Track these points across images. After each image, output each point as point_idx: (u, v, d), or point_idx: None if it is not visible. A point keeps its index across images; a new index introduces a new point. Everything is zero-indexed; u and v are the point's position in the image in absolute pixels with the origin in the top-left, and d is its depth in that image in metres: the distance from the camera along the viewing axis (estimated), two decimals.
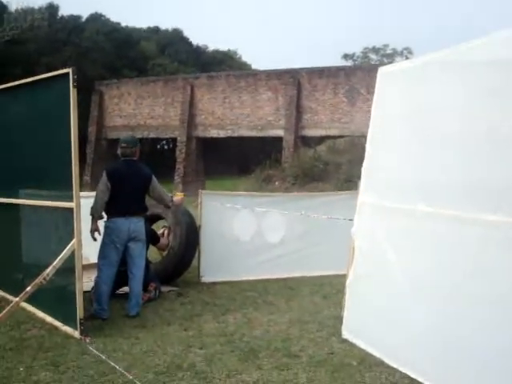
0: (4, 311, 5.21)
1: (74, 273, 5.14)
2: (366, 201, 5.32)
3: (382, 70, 5.41)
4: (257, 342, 5.13)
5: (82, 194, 5.27)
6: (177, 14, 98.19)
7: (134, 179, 5.87)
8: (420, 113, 4.90)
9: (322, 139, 25.44)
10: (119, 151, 5.96)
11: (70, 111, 5.06)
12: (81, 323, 5.13)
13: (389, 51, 35.48)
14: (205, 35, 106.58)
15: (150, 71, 41.42)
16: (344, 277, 7.97)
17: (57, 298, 5.58)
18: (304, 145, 25.73)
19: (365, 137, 22.55)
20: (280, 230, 8.09)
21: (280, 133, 26.79)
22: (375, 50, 35.90)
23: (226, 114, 28.17)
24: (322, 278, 7.96)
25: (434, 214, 4.51)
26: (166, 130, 29.51)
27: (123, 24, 45.65)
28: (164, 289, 6.98)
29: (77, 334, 5.14)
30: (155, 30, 50.23)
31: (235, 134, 28.23)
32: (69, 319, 5.33)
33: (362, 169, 5.55)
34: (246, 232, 7.87)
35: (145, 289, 6.33)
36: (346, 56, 36.52)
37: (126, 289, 6.39)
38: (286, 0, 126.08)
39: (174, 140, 29.93)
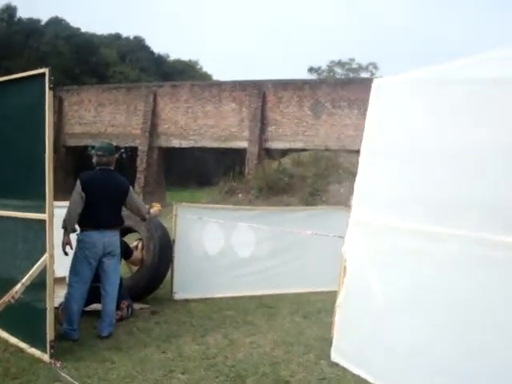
0: None
1: (45, 290, 4.72)
2: (359, 218, 5.07)
3: (376, 83, 5.20)
4: (242, 365, 4.81)
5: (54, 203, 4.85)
6: (138, 21, 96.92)
7: (110, 190, 5.47)
8: (417, 127, 4.73)
9: (285, 152, 25.27)
10: (94, 159, 5.56)
11: (45, 115, 4.66)
12: (51, 345, 4.70)
13: (354, 65, 35.79)
14: (166, 44, 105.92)
15: (110, 78, 40.72)
16: (321, 294, 7.83)
17: (23, 317, 5.10)
18: (268, 157, 25.52)
19: (329, 150, 22.64)
20: (255, 246, 7.78)
21: (244, 144, 26.52)
22: (341, 64, 36.03)
23: (189, 124, 27.73)
24: (299, 295, 7.71)
25: (433, 232, 4.33)
26: (127, 139, 28.83)
27: (83, 29, 44.85)
28: (135, 306, 6.57)
29: (46, 357, 4.71)
30: (116, 37, 49.39)
31: (198, 145, 27.80)
32: (37, 341, 4.89)
33: (355, 184, 5.29)
34: (222, 247, 7.53)
35: (117, 306, 5.90)
36: (311, 69, 36.67)
37: (95, 306, 5.99)
38: (251, 12, 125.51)
39: (135, 149, 29.26)
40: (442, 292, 4.20)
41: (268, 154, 26.14)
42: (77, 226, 5.44)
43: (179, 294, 7.21)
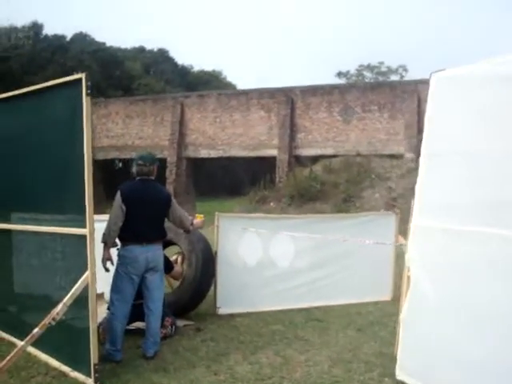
0: (7, 358, 4.43)
1: (87, 309, 4.42)
2: (422, 224, 4.65)
3: (435, 76, 4.77)
4: None
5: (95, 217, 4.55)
6: (162, 33, 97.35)
7: (152, 201, 5.15)
8: (482, 125, 4.32)
9: (316, 158, 24.87)
10: (134, 169, 5.25)
11: (83, 123, 4.37)
12: (95, 369, 4.39)
13: (383, 69, 35.18)
14: (189, 55, 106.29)
15: (135, 91, 40.82)
16: (370, 305, 7.43)
17: (65, 339, 4.81)
18: (298, 164, 25.13)
19: (360, 155, 22.07)
20: (300, 256, 7.39)
21: (273, 152, 26.18)
22: (370, 68, 35.45)
23: (218, 134, 27.51)
24: (347, 307, 7.29)
25: (507, 237, 3.94)
26: (155, 151, 28.54)
27: (108, 44, 45.12)
28: (179, 323, 6.23)
29: (90, 381, 4.42)
30: (140, 50, 49.61)
31: (227, 154, 27.56)
32: (80, 364, 4.59)
33: (416, 187, 4.87)
34: (266, 258, 7.16)
35: (160, 324, 5.57)
36: (339, 74, 36.13)
37: (137, 324, 5.69)
38: (273, 19, 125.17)
39: (163, 160, 29.12)
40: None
41: (298, 161, 25.77)
42: (117, 241, 5.13)
43: (223, 309, 6.85)
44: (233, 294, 6.92)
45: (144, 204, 5.08)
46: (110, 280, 5.21)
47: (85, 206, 4.39)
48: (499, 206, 4.11)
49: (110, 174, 28.97)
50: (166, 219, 5.39)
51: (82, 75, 4.38)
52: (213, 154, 27.69)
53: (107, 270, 5.05)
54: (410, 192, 19.51)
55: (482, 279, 4.14)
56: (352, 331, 6.19)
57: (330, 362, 5.05)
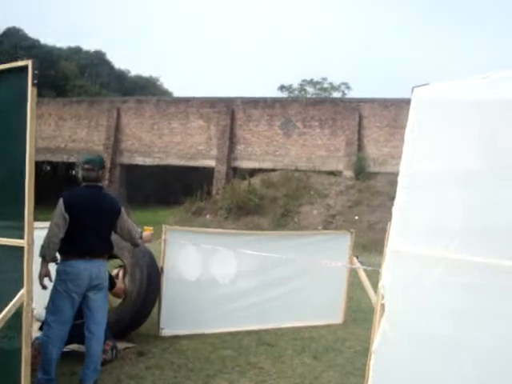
0: None
1: (20, 334, 3.78)
2: (400, 248, 4.29)
3: (417, 91, 4.45)
4: None
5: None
6: (99, 35, 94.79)
7: (99, 210, 4.56)
8: (468, 144, 4.03)
9: (254, 171, 24.59)
10: (80, 174, 4.65)
11: (27, 117, 3.77)
12: None
13: (326, 85, 35.34)
14: (126, 60, 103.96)
15: (69, 92, 39.31)
16: (322, 329, 7.06)
17: None
18: (236, 176, 24.77)
19: (299, 171, 21.92)
20: (252, 275, 6.94)
21: (211, 163, 25.71)
22: (313, 83, 35.56)
23: (154, 141, 26.77)
24: (298, 330, 6.90)
25: (488, 264, 3.63)
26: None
27: (42, 41, 43.34)
28: (119, 346, 5.62)
29: None
30: (76, 50, 47.94)
31: (163, 162, 26.82)
32: None
33: (394, 209, 4.50)
34: (215, 276, 6.66)
35: None
36: (282, 87, 35.94)
37: (73, 345, 5.07)
38: (216, 29, 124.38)
39: None
40: (494, 332, 3.52)
41: (236, 173, 25.40)
42: (57, 255, 4.51)
43: (167, 330, 6.29)
44: (178, 314, 6.38)
45: (90, 213, 4.49)
46: (43, 296, 4.59)
47: (23, 213, 3.77)
48: (483, 232, 3.81)
49: (40, 177, 27.60)
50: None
51: (28, 62, 3.78)
52: (148, 161, 26.90)
53: (44, 287, 4.42)
54: (348, 210, 19.53)
55: (465, 309, 3.82)
56: (308, 358, 5.78)
57: None
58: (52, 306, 4.46)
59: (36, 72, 3.77)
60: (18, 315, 3.78)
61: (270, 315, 6.98)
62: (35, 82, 3.76)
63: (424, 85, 4.52)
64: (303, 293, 7.19)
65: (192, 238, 6.52)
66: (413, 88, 4.57)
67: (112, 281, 5.71)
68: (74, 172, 42.00)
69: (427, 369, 3.94)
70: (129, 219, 4.89)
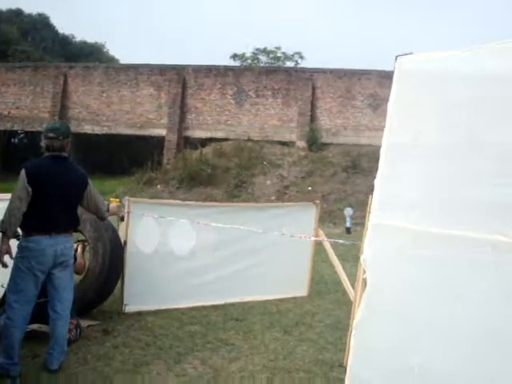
0: None
1: None
2: (382, 222, 4.18)
3: (400, 60, 4.29)
4: None
5: None
6: None
7: (65, 182, 4.24)
8: (452, 116, 3.92)
9: (206, 141, 24.23)
10: (44, 143, 4.31)
11: None
12: None
13: (279, 54, 34.80)
14: (70, 24, 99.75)
15: (10, 58, 37.44)
16: (288, 302, 6.96)
17: None
18: (188, 146, 24.34)
19: (252, 140, 21.81)
20: (217, 248, 6.75)
21: (162, 132, 25.14)
22: (266, 52, 34.93)
23: (103, 109, 25.92)
24: (264, 304, 6.79)
25: (473, 239, 3.57)
26: (34, 123, 26.39)
27: None
28: (82, 324, 5.36)
29: None
30: (17, 13, 45.72)
31: (112, 132, 26.05)
32: None
33: (375, 182, 4.37)
34: (179, 250, 6.44)
35: None
36: (234, 56, 35.07)
37: (33, 325, 4.78)
38: None
39: (40, 134, 26.89)
40: (477, 307, 3.49)
41: (188, 143, 24.97)
42: (19, 230, 4.19)
43: (131, 306, 6.05)
44: (141, 290, 6.14)
45: (55, 186, 4.17)
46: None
47: None
48: (462, 205, 3.73)
49: None
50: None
51: None
52: (97, 130, 26.09)
53: (5, 265, 4.10)
54: (301, 180, 19.54)
55: (447, 283, 3.76)
56: (278, 333, 5.66)
57: (267, 373, 4.48)
58: (13, 285, 4.16)
59: None
60: None
61: (236, 289, 6.83)
62: None
63: (406, 54, 4.37)
64: (268, 266, 7.06)
65: (155, 210, 6.25)
66: (396, 57, 4.42)
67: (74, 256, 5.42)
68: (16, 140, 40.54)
69: (406, 344, 3.90)
70: (96, 192, 4.59)
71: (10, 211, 4.06)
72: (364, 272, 4.27)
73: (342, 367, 4.64)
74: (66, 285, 4.33)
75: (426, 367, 3.73)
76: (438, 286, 3.80)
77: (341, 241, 6.25)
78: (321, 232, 7.21)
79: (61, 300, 4.30)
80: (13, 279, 4.16)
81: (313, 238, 6.98)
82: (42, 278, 4.20)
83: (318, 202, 7.49)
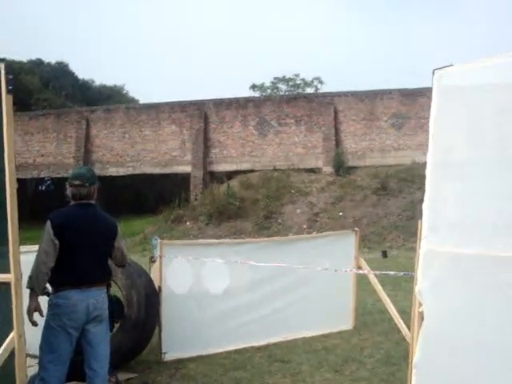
0: None
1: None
2: (435, 248, 3.84)
3: (438, 74, 4.00)
4: None
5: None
6: (59, 46, 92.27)
7: (94, 232, 3.99)
8: (502, 128, 3.60)
9: (232, 174, 24.07)
10: (69, 191, 4.09)
11: (3, 129, 3.22)
12: None
13: (298, 81, 34.83)
14: (89, 69, 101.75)
15: (33, 106, 38.09)
16: (333, 337, 6.59)
17: None
18: (214, 181, 24.19)
19: (278, 170, 21.44)
20: (257, 286, 6.44)
21: (187, 169, 25.08)
22: (285, 80, 34.97)
23: (126, 150, 26.02)
24: (310, 341, 6.44)
25: None
26: (59, 169, 26.66)
27: (1, 55, 42.04)
28: (119, 376, 5.07)
29: None
30: (38, 63, 46.73)
31: (137, 172, 26.09)
32: None
33: (423, 205, 4.04)
34: (218, 291, 6.15)
35: None
36: (253, 86, 35.17)
37: None
38: (177, 31, 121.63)
39: (67, 179, 26.97)
40: None
41: (213, 177, 24.84)
42: (48, 286, 3.94)
43: (170, 354, 5.76)
44: (180, 336, 5.86)
45: (83, 236, 3.93)
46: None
47: (7, 242, 3.23)
48: None
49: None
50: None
51: (0, 65, 3.22)
52: (121, 171, 26.13)
53: (35, 323, 3.85)
54: (331, 206, 19.13)
55: (505, 312, 3.40)
56: (328, 373, 5.31)
57: None
58: (46, 345, 3.89)
59: (10, 77, 3.22)
60: (10, 361, 3.24)
61: (278, 327, 6.51)
62: (10, 88, 3.21)
63: (445, 67, 4.06)
64: (310, 300, 6.74)
65: (189, 252, 5.98)
66: (433, 71, 4.10)
67: (122, 308, 5.21)
68: (43, 187, 41.00)
69: (472, 377, 3.54)
70: (122, 240, 4.34)
71: (36, 266, 3.82)
72: (420, 305, 3.93)
73: None
74: (101, 340, 4.05)
75: None
76: (502, 312, 3.46)
77: (392, 272, 5.86)
78: (362, 260, 6.86)
79: (97, 357, 4.01)
80: (45, 338, 3.90)
81: (359, 271, 6.61)
82: (76, 335, 3.93)
83: (357, 229, 7.16)
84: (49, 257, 3.81)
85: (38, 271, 3.81)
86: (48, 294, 3.94)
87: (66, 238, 3.84)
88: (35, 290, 3.83)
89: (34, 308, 3.83)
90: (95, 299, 3.94)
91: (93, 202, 4.10)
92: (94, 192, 4.12)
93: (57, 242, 3.82)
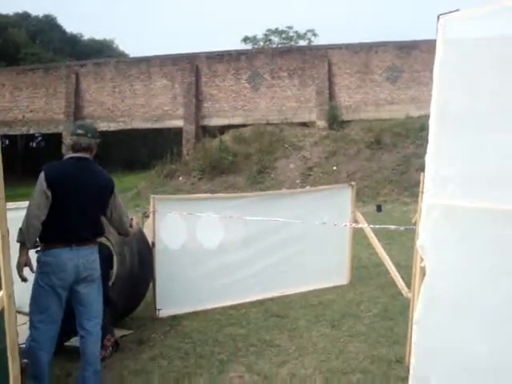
0: None
1: (4, 350, 3.12)
2: (437, 202, 3.71)
3: (443, 20, 3.77)
4: None
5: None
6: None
7: (89, 187, 3.81)
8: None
9: (224, 128, 23.79)
10: (70, 140, 3.90)
11: None
12: None
13: (292, 34, 34.02)
14: (78, 23, 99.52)
15: (21, 61, 37.42)
16: (329, 292, 6.54)
17: None
18: (206, 135, 23.92)
19: (271, 124, 21.24)
20: (252, 241, 6.33)
21: (179, 123, 24.75)
22: (278, 32, 34.18)
23: (117, 105, 25.61)
24: (305, 296, 6.40)
25: None
26: (49, 125, 26.26)
27: None
28: (115, 334, 5.00)
29: None
30: (24, 17, 45.65)
31: (128, 127, 25.74)
32: None
33: (426, 158, 3.89)
34: (211, 247, 6.04)
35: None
36: (246, 39, 34.28)
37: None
38: None
39: (58, 135, 26.61)
40: None
41: (206, 132, 24.55)
42: (38, 240, 3.80)
43: (165, 311, 5.68)
44: (174, 292, 5.78)
45: (78, 191, 3.75)
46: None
47: None
48: None
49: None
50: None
51: None
52: (112, 126, 25.77)
53: (24, 279, 3.72)
54: (325, 161, 18.97)
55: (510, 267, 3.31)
56: (325, 328, 5.26)
57: (321, 376, 4.08)
58: (35, 305, 3.77)
59: None
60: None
61: (273, 282, 6.45)
62: None
63: (451, 12, 3.84)
64: (306, 255, 6.66)
65: (183, 206, 5.85)
66: (438, 16, 3.88)
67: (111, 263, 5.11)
68: (34, 144, 40.50)
69: (473, 332, 3.47)
70: (121, 202, 4.16)
71: (27, 220, 3.66)
72: (422, 260, 3.83)
73: (400, 363, 4.25)
74: (93, 300, 3.92)
75: (495, 355, 3.32)
76: (500, 266, 3.37)
77: (392, 226, 5.77)
78: (359, 214, 6.76)
79: (89, 317, 3.89)
80: (34, 298, 3.78)
81: (359, 225, 6.52)
82: (65, 294, 3.79)
83: (353, 183, 7.03)
84: (40, 209, 3.66)
85: (28, 224, 3.66)
86: (38, 250, 3.81)
87: (59, 191, 3.68)
88: (26, 243, 3.69)
89: (23, 262, 3.70)
90: (85, 259, 3.79)
91: (89, 156, 3.92)
92: (94, 147, 3.96)
93: (49, 194, 3.65)
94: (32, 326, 3.79)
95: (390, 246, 8.58)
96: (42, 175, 3.67)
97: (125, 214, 4.10)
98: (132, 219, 4.27)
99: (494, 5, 3.54)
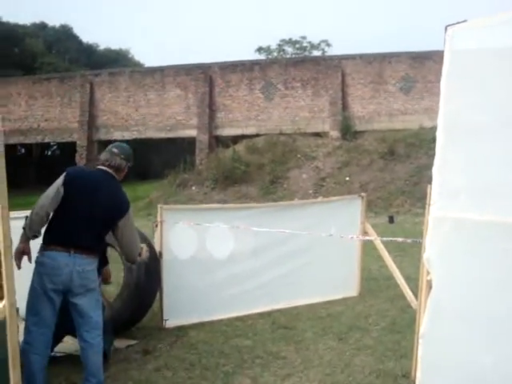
0: None
1: (6, 359, 3.11)
2: (447, 215, 3.66)
3: (451, 31, 3.75)
4: None
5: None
6: (63, 9, 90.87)
7: (100, 202, 3.81)
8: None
9: (237, 138, 23.83)
10: (104, 155, 3.99)
11: None
12: None
13: (305, 44, 34.19)
14: (94, 33, 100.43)
15: (38, 70, 37.75)
16: (337, 304, 6.48)
17: None
18: (219, 145, 23.97)
19: (284, 134, 21.24)
20: (261, 252, 6.30)
21: (192, 133, 24.85)
22: (292, 43, 34.39)
23: (131, 114, 25.75)
24: (313, 308, 6.34)
25: None
26: (64, 134, 26.50)
27: (4, 19, 41.48)
28: (119, 344, 5.01)
29: None
30: (41, 27, 46.14)
31: (142, 136, 25.86)
32: None
33: (433, 169, 3.85)
34: (219, 257, 6.02)
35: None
36: (260, 49, 34.57)
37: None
38: None
39: (72, 144, 26.84)
40: None
41: (219, 141, 24.61)
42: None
43: (171, 321, 5.66)
44: (182, 303, 5.75)
45: (89, 201, 3.76)
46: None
47: None
48: None
49: (11, 162, 26.50)
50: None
51: None
52: (126, 135, 25.84)
53: (18, 266, 3.70)
54: (338, 171, 18.94)
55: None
56: (332, 341, 5.20)
57: None
58: (30, 307, 3.73)
59: None
60: (2, 329, 3.12)
61: (281, 294, 6.40)
62: None
63: (459, 23, 3.81)
64: (315, 266, 6.61)
65: (191, 217, 5.84)
66: (446, 27, 3.86)
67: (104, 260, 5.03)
68: (49, 153, 40.83)
69: (478, 344, 3.42)
70: (135, 230, 4.14)
71: (34, 209, 3.71)
72: (428, 273, 3.78)
73: (406, 377, 4.19)
74: (91, 309, 3.86)
75: (500, 368, 3.26)
76: (508, 280, 3.32)
77: (400, 239, 5.71)
78: (369, 227, 6.71)
79: (89, 327, 3.87)
80: (29, 300, 3.77)
81: (366, 238, 6.47)
82: (58, 299, 3.76)
83: (363, 194, 6.99)
84: (49, 201, 3.71)
85: (34, 212, 3.73)
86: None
87: (70, 193, 3.74)
88: (26, 231, 3.72)
89: (21, 249, 3.71)
90: (82, 267, 3.75)
91: (116, 176, 3.97)
92: (125, 169, 4.04)
93: (62, 190, 3.72)
94: (26, 329, 3.77)
95: (401, 258, 8.51)
96: (63, 174, 3.79)
97: (135, 242, 4.09)
98: (142, 248, 4.27)
99: (502, 16, 3.51)
